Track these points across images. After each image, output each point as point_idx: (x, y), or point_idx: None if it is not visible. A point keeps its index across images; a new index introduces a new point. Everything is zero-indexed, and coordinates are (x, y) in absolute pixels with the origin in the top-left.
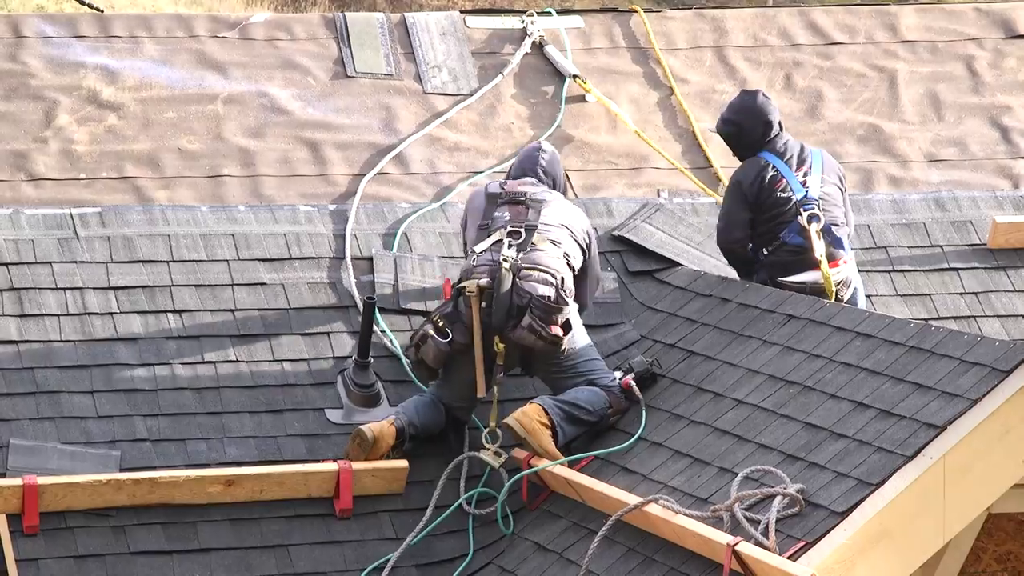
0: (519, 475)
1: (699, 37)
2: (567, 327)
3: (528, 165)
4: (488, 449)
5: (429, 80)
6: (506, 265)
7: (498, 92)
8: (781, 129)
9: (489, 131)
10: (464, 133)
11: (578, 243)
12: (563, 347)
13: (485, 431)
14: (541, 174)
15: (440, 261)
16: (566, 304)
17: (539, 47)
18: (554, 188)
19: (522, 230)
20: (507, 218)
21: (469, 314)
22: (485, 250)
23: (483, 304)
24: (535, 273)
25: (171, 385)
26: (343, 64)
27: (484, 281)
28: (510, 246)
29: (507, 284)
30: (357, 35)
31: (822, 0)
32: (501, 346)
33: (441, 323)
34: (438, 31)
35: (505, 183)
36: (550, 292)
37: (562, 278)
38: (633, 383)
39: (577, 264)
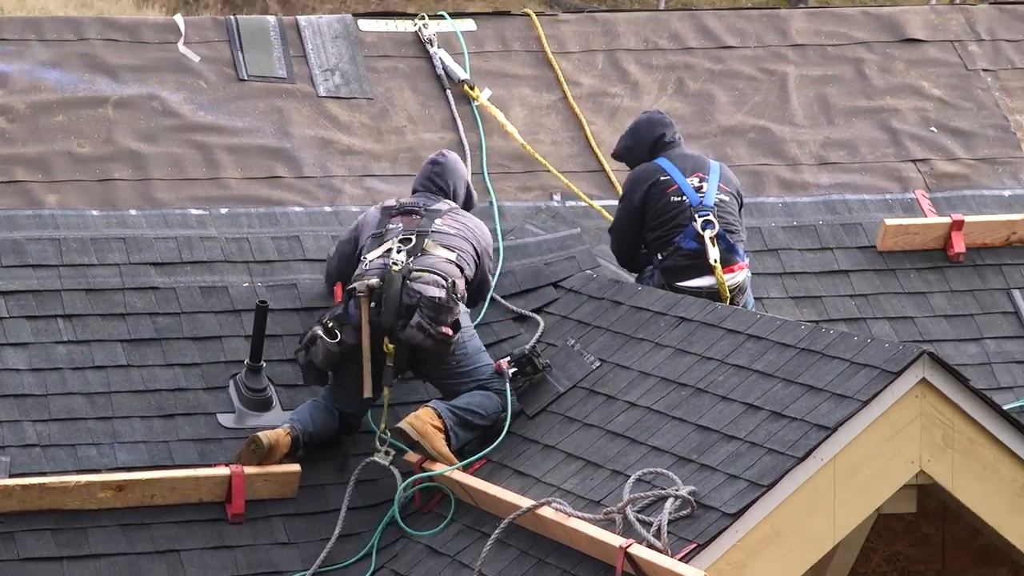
0: (411, 479)
1: (591, 40)
2: (456, 327)
3: (420, 178)
4: (380, 451)
5: (322, 83)
6: (396, 268)
7: (390, 95)
8: (678, 142)
9: (381, 134)
10: (356, 136)
11: (474, 254)
12: (453, 347)
13: (377, 433)
14: (433, 186)
15: None
16: (456, 305)
17: (431, 51)
18: (452, 197)
19: (413, 236)
20: (400, 228)
21: (359, 315)
22: (377, 256)
23: (372, 304)
24: (426, 275)
25: (61, 390)
26: (235, 67)
27: (373, 281)
28: (399, 251)
29: (396, 284)
30: (249, 38)
31: (713, 4)
32: (390, 346)
33: (331, 324)
34: (331, 34)
35: (403, 198)
36: (440, 293)
37: (453, 281)
38: (505, 365)
39: (470, 273)
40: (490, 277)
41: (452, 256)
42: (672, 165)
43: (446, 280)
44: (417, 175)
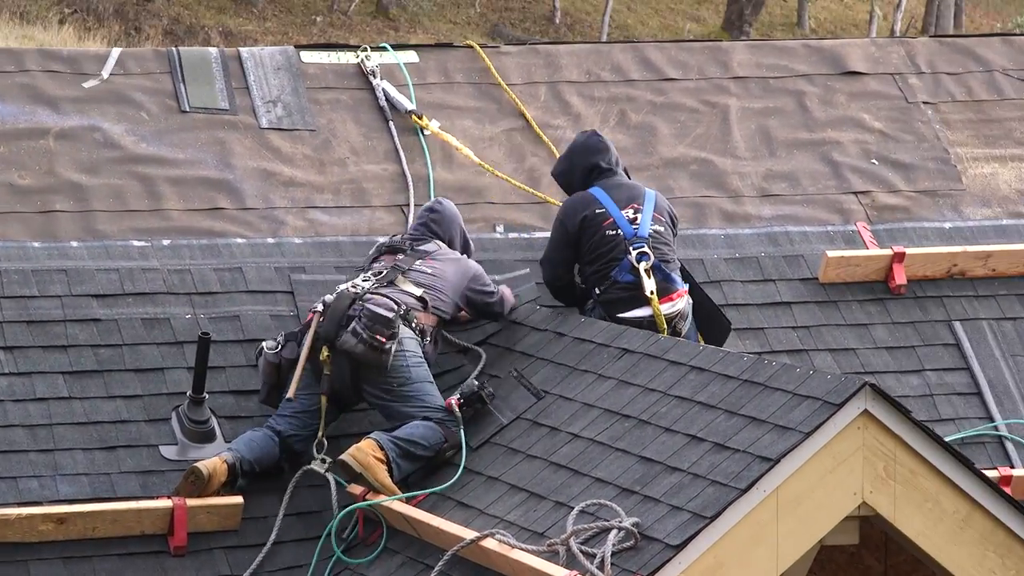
0: (355, 506)
1: (533, 72)
2: (392, 338)
3: (416, 223)
4: (316, 458)
5: (264, 115)
6: (353, 290)
7: (332, 127)
8: (616, 168)
9: (324, 166)
10: (299, 168)
11: (452, 295)
12: (387, 357)
13: (315, 443)
14: (428, 232)
15: None
16: (397, 324)
17: (374, 82)
18: (448, 244)
19: (387, 270)
20: (382, 265)
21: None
22: (347, 283)
23: (322, 319)
24: (378, 298)
25: (2, 422)
26: (177, 99)
27: (328, 298)
28: (366, 280)
29: (346, 300)
30: (191, 70)
31: (655, 36)
32: (326, 353)
33: (279, 338)
34: (272, 66)
35: (396, 236)
36: (386, 313)
37: (407, 309)
38: (455, 404)
39: (444, 310)
40: (491, 302)
41: (417, 292)
42: (607, 196)
43: (398, 306)
44: (413, 220)
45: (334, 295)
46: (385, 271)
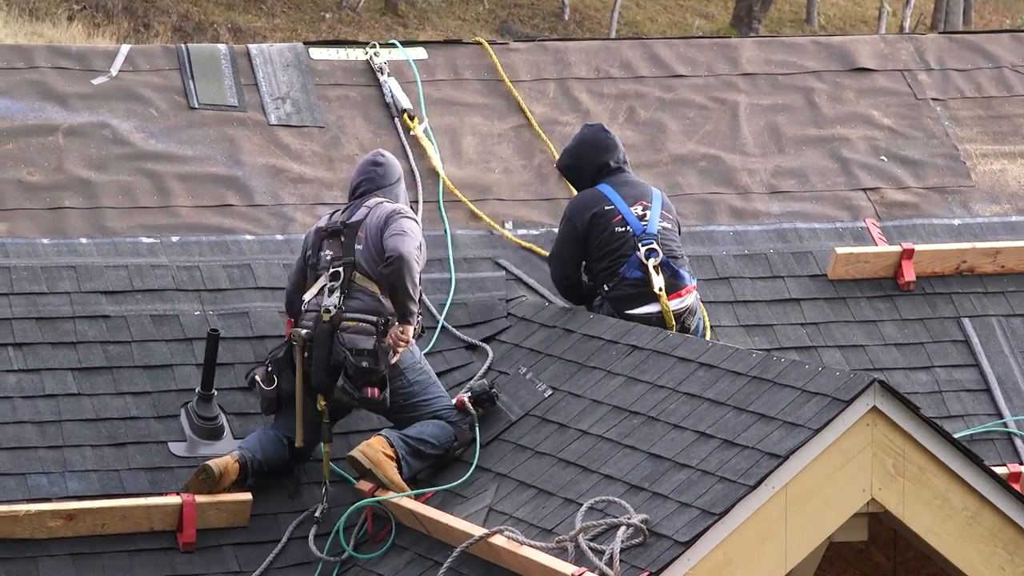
0: (364, 502)
1: (542, 69)
2: (383, 384)
3: (361, 177)
4: (316, 512)
5: (273, 112)
6: (327, 316)
7: (341, 124)
8: (624, 164)
9: (333, 162)
10: (308, 165)
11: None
12: (385, 403)
13: (324, 489)
14: (374, 186)
15: None
16: (383, 368)
17: (382, 79)
18: (393, 197)
19: (341, 269)
20: (328, 257)
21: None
22: (312, 296)
23: (306, 355)
24: (353, 325)
25: (11, 419)
26: (186, 95)
27: (306, 332)
28: (331, 292)
29: (325, 339)
30: (200, 66)
31: (664, 33)
32: (323, 403)
33: (270, 368)
34: (281, 63)
35: (343, 209)
36: (369, 344)
37: (385, 319)
38: (467, 402)
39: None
40: (392, 249)
41: (376, 288)
42: (615, 193)
43: (376, 325)
44: (357, 173)
45: (310, 324)
46: (341, 274)
